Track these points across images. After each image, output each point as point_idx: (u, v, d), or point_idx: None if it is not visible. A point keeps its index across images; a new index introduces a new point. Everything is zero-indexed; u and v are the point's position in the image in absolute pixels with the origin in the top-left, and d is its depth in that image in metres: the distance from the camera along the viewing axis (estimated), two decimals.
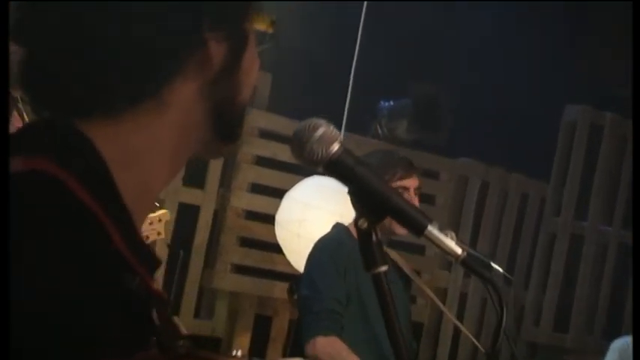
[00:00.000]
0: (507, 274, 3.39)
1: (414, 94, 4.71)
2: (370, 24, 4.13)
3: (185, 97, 0.94)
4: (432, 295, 3.45)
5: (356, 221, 1.19)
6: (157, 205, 3.14)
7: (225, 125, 1.01)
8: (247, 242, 4.23)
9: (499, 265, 3.45)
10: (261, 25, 0.74)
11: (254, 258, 4.20)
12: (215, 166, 4.14)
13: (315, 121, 1.20)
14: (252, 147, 4.18)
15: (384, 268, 1.20)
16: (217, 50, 0.93)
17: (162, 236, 3.24)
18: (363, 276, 2.98)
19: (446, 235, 2.72)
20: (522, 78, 4.97)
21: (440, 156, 4.87)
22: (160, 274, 4.13)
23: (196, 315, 4.16)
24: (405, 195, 3.15)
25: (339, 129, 4.12)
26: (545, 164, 5.10)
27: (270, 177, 4.17)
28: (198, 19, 0.91)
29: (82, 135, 0.88)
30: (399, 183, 3.21)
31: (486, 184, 5.00)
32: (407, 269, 3.33)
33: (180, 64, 0.91)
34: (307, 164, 1.20)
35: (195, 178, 4.08)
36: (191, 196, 4.10)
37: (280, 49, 4.09)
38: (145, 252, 0.95)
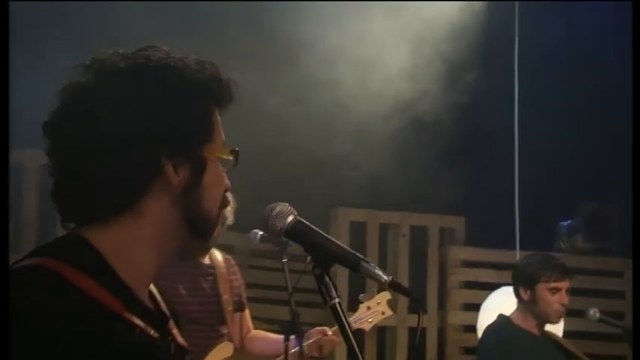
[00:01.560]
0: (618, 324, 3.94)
1: (585, 213, 5.73)
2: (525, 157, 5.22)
3: (158, 207, 1.19)
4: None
5: (313, 269, 1.41)
6: (374, 291, 3.73)
7: (196, 227, 1.24)
8: (470, 351, 5.23)
9: None
10: (221, 154, 1.20)
11: None
12: (432, 292, 5.36)
13: (274, 204, 1.45)
14: (458, 275, 5.42)
15: (337, 300, 1.40)
16: (177, 173, 1.18)
17: (387, 314, 3.76)
18: (522, 354, 3.71)
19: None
20: None
21: (620, 258, 5.64)
22: None
23: None
24: (557, 295, 3.67)
25: (514, 249, 5.06)
26: None
27: (475, 296, 5.20)
28: (154, 151, 1.15)
29: (82, 239, 1.16)
30: (553, 284, 3.67)
31: None
32: (567, 345, 3.94)
33: (145, 185, 1.16)
34: (273, 235, 1.44)
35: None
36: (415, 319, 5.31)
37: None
38: (148, 313, 1.20)
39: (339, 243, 1.43)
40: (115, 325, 1.13)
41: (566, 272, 3.72)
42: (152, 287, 1.33)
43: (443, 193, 5.32)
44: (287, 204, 1.44)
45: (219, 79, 1.27)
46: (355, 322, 3.66)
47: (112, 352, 1.12)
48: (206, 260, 3.65)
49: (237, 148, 1.32)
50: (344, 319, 1.38)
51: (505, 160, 5.22)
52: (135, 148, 1.15)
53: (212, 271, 3.65)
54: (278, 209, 1.43)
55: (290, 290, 3.53)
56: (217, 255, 3.71)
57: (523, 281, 3.74)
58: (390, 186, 5.39)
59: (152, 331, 1.21)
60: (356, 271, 1.40)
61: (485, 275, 5.40)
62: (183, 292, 3.51)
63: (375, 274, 1.40)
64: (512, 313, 3.84)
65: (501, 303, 4.11)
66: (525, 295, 3.72)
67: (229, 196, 1.36)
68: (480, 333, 4.26)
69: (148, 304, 1.26)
